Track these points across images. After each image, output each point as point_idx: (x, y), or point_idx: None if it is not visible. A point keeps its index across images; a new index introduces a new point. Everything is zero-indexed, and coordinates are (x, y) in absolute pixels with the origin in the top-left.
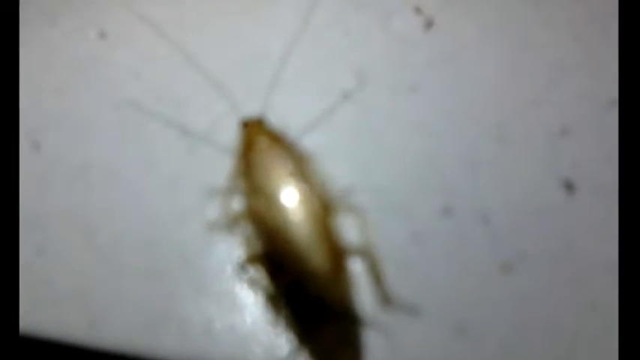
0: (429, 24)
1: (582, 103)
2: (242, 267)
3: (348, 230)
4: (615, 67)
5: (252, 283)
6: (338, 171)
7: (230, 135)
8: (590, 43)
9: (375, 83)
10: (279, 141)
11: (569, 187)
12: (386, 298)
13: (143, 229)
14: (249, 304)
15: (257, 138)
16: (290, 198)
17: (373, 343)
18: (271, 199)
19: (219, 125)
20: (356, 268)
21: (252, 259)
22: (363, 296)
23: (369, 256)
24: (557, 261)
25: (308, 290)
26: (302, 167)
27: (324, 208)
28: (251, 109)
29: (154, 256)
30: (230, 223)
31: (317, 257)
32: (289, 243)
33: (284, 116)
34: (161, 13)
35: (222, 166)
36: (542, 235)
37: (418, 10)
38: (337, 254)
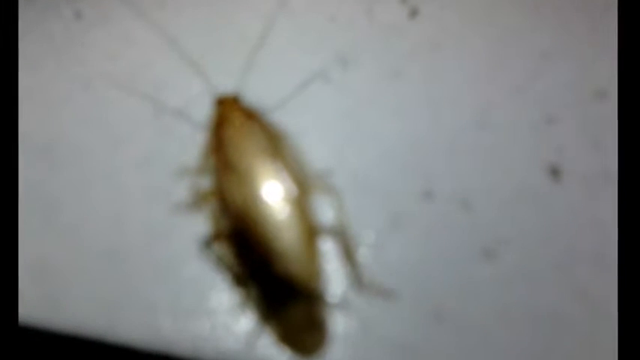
0: (413, 12)
1: (568, 91)
2: (207, 245)
3: (322, 211)
4: (602, 56)
5: (218, 262)
6: (315, 153)
7: (204, 116)
8: (576, 32)
9: (356, 68)
10: (253, 118)
11: (554, 172)
12: (359, 281)
13: (108, 208)
14: (214, 284)
15: (231, 114)
16: (262, 175)
17: (344, 326)
18: (242, 176)
19: (194, 106)
20: (328, 248)
21: (219, 237)
22: (335, 278)
23: (342, 237)
24: (541, 247)
25: (275, 269)
26: (276, 145)
27: (297, 186)
28: (227, 90)
29: (118, 235)
30: (198, 201)
31: (287, 236)
32: (259, 221)
33: (261, 97)
34: None
35: (193, 148)
36: (526, 221)
37: None
38: (309, 234)
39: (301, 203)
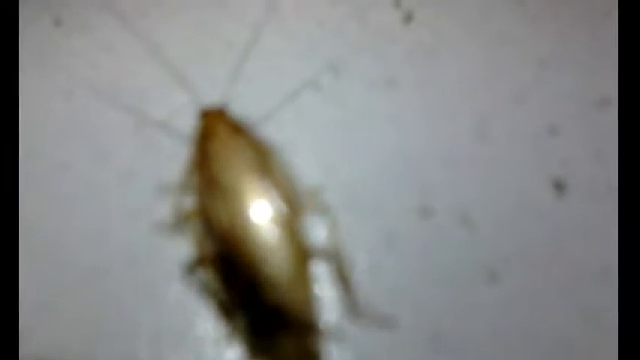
0: (408, 18)
1: (570, 100)
2: (191, 269)
3: (315, 231)
4: (604, 62)
5: (202, 288)
6: (306, 167)
7: (189, 128)
8: (576, 39)
9: (348, 75)
10: (240, 132)
11: (558, 186)
12: (354, 308)
13: (87, 225)
14: (198, 312)
15: (216, 127)
16: (249, 193)
17: (339, 358)
18: (228, 195)
19: (178, 118)
20: (321, 273)
21: (203, 261)
22: (329, 305)
23: (336, 260)
24: (545, 266)
25: (265, 297)
26: (265, 161)
27: (287, 205)
28: (213, 101)
29: (96, 257)
30: (181, 221)
31: (277, 260)
32: (246, 244)
33: (248, 108)
34: (125, 2)
35: (178, 162)
36: (530, 239)
37: (397, 4)
38: (300, 258)
39: (292, 224)
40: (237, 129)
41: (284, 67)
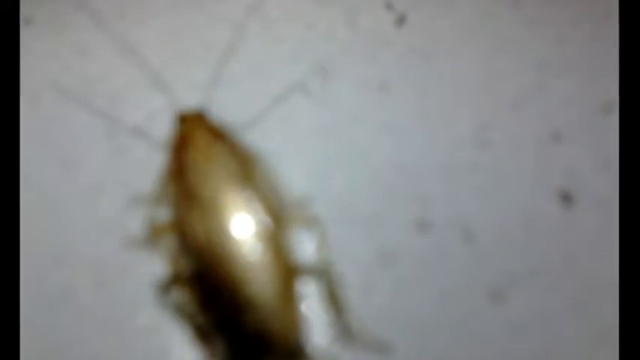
0: (400, 20)
1: (573, 106)
2: (165, 289)
3: (302, 247)
4: (607, 67)
5: (177, 310)
6: (293, 177)
7: (165, 134)
8: (577, 43)
9: (339, 79)
10: (221, 138)
11: (565, 198)
12: (346, 331)
13: (51, 241)
14: (172, 337)
15: (195, 133)
16: (230, 206)
17: None
18: (206, 207)
19: (153, 123)
20: (309, 292)
21: (178, 280)
22: (318, 328)
23: (325, 278)
24: (556, 283)
25: (246, 320)
26: (248, 170)
27: (272, 219)
28: (192, 104)
29: (61, 275)
30: (154, 237)
31: (259, 279)
32: (226, 261)
33: (230, 113)
34: (101, 2)
35: (151, 172)
36: (538, 254)
37: (389, 6)
38: (286, 277)
39: (276, 239)
40: (218, 135)
41: (269, 70)
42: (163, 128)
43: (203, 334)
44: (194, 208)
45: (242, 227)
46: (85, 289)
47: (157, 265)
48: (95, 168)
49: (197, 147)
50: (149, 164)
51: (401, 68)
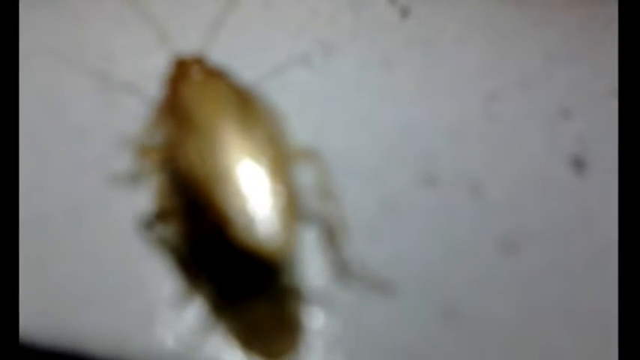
0: (404, 13)
1: (581, 90)
2: (149, 224)
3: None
4: (613, 54)
5: (160, 244)
6: (295, 133)
7: (158, 92)
8: (582, 31)
9: (342, 56)
10: (220, 76)
11: (578, 164)
12: (345, 270)
13: (27, 177)
14: (152, 269)
15: (191, 70)
16: (227, 133)
17: (326, 327)
18: (202, 130)
19: (149, 80)
20: (308, 231)
21: (164, 215)
22: (315, 266)
23: (325, 207)
24: (570, 238)
25: (234, 236)
26: (247, 103)
27: (272, 147)
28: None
29: (35, 205)
30: (141, 171)
31: (254, 193)
32: (219, 186)
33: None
34: None
35: (140, 121)
36: (551, 212)
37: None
38: (283, 193)
39: (275, 160)
40: (217, 74)
41: (272, 44)
42: (156, 87)
43: (186, 264)
44: (188, 132)
45: (240, 153)
46: (60, 220)
47: (139, 202)
48: (82, 115)
49: (193, 83)
50: (139, 117)
51: (405, 50)
